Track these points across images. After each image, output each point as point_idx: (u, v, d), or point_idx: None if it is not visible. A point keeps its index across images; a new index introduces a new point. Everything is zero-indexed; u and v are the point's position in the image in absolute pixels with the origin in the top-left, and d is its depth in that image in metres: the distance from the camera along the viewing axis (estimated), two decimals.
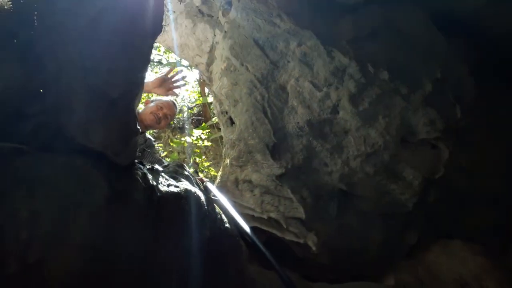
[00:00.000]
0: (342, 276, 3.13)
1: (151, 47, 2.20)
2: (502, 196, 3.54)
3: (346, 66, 2.75)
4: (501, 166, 3.62)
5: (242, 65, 3.23)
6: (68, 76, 1.89)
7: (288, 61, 3.00)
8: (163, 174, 2.10)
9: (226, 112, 3.78)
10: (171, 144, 8.10)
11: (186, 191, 2.01)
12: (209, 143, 8.23)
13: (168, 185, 1.97)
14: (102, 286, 1.77)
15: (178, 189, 1.97)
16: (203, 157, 8.11)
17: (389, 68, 2.71)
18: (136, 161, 2.15)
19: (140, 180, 1.98)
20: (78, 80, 1.92)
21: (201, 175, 5.91)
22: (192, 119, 10.11)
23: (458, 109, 2.81)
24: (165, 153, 7.47)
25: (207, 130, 8.24)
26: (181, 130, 9.48)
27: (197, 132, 8.07)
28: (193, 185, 2.21)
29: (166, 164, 2.76)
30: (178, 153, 7.77)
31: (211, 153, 8.51)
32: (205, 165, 7.90)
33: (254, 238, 2.37)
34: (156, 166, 2.14)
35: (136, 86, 2.04)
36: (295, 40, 2.89)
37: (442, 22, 3.18)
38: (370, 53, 2.72)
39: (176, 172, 2.30)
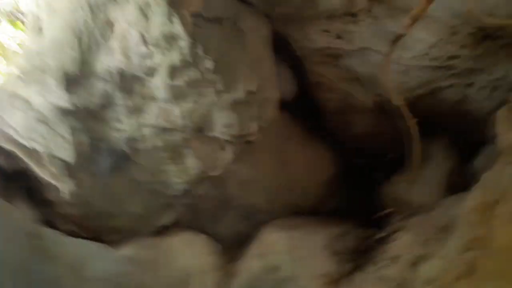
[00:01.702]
0: (83, 231, 3.02)
1: None
2: (257, 213, 4.02)
3: (181, 38, 2.68)
4: (272, 188, 4.08)
5: None
6: None
7: (128, 1, 2.75)
8: None
9: (39, 17, 3.23)
10: None
11: None
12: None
13: None
14: None
15: None
16: None
17: (217, 60, 2.77)
18: None
19: None
20: None
21: None
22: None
23: (256, 125, 3.07)
24: None
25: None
26: None
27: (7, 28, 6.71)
28: None
29: None
30: None
31: None
32: None
33: None
34: None
35: None
36: None
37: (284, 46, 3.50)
38: (207, 37, 2.73)
39: None
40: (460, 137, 3.94)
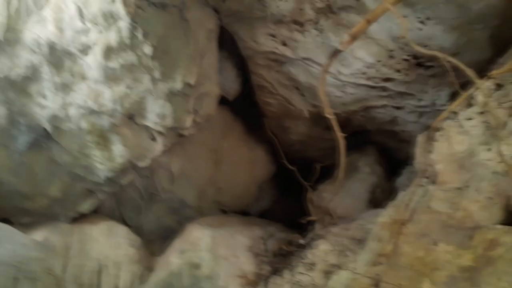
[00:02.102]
0: None
1: None
2: (185, 208, 3.96)
3: (121, 18, 2.56)
4: (203, 185, 4.03)
5: None
6: None
7: None
8: None
9: None
10: None
11: None
12: None
13: None
14: None
15: None
16: None
17: (157, 47, 2.68)
18: None
19: None
20: None
21: None
22: None
23: (191, 119, 3.01)
24: None
25: None
26: None
27: None
28: None
29: None
30: None
31: None
32: None
33: None
34: None
35: None
36: None
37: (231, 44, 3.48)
38: (149, 22, 2.62)
39: None
40: (388, 155, 4.16)
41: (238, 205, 4.38)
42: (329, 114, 2.66)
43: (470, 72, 1.93)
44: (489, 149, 1.96)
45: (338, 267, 2.58)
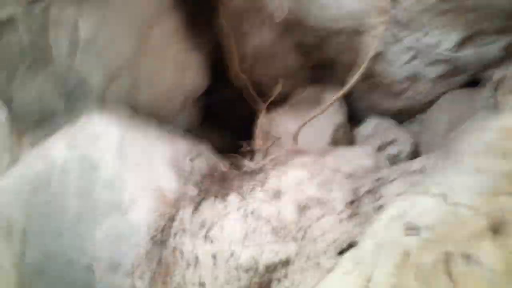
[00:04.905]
0: None
1: None
2: (85, 92, 2.79)
3: None
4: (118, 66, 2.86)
5: None
6: None
7: None
8: None
9: None
10: None
11: None
12: None
13: None
14: None
15: None
16: None
17: None
18: None
19: None
20: None
21: None
22: None
23: None
24: None
25: None
26: None
27: None
28: None
29: None
30: None
31: None
32: None
33: None
34: None
35: None
36: None
37: None
38: None
39: None
40: (349, 100, 3.55)
41: (155, 113, 3.32)
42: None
43: None
44: None
45: (318, 202, 1.83)
